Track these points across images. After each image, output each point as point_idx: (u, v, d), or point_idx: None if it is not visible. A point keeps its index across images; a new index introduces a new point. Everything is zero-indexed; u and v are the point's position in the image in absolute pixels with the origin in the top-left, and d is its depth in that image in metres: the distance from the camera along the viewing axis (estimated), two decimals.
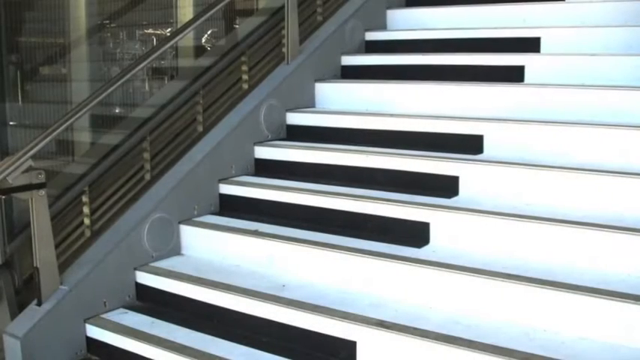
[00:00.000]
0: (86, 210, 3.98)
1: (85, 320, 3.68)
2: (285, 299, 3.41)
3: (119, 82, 3.96)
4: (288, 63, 4.96)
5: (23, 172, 3.38)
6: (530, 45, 4.72)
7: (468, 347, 2.83)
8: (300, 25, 5.05)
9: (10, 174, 3.33)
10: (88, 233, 3.96)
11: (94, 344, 3.66)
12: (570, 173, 3.55)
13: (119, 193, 4.12)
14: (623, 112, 3.89)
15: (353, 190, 4.04)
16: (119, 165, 4.19)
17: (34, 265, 3.51)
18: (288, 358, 3.22)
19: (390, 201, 3.78)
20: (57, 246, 3.65)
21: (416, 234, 3.64)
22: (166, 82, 5.25)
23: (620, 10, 4.68)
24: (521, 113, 4.16)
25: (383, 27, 5.66)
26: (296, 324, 3.30)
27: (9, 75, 4.55)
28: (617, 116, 3.89)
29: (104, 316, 3.73)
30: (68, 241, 3.93)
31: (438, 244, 3.58)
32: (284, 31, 4.97)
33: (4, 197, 3.50)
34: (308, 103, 5.04)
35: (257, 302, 3.43)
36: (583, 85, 4.15)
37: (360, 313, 3.19)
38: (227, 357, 3.24)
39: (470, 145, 4.08)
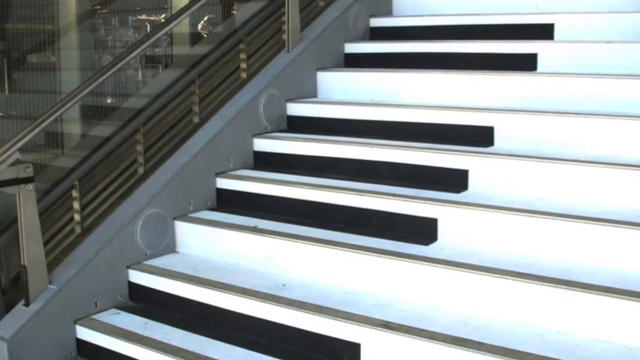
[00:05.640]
0: (76, 205, 3.98)
1: (76, 321, 3.67)
2: (285, 299, 3.41)
3: (111, 71, 3.95)
4: (288, 51, 4.95)
5: (10, 165, 3.38)
6: (544, 32, 4.71)
7: (478, 349, 2.83)
8: (301, 11, 5.05)
9: None
10: (78, 230, 3.96)
11: (84, 346, 3.66)
12: (585, 167, 3.54)
13: (111, 188, 4.12)
14: None
15: (357, 184, 4.03)
16: (111, 158, 4.18)
17: (22, 263, 3.51)
18: None
19: (396, 196, 3.78)
20: (46, 243, 3.64)
21: (423, 230, 3.64)
22: (160, 70, 5.25)
23: None
24: (533, 103, 4.15)
25: (388, 13, 5.65)
26: (297, 325, 3.29)
27: None
28: (634, 106, 3.88)
29: (95, 316, 3.73)
30: (57, 238, 3.93)
31: (447, 241, 3.57)
32: (284, 18, 4.97)
33: None
34: (310, 93, 5.03)
35: (256, 302, 3.43)
36: (598, 74, 4.13)
37: (364, 314, 3.19)
38: None
39: (480, 137, 4.08)
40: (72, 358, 3.66)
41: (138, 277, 3.90)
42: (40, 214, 3.57)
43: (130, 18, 5.47)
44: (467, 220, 3.54)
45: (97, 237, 3.86)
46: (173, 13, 4.63)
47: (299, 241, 3.72)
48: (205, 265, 3.91)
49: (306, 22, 5.18)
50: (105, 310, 3.79)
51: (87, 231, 3.93)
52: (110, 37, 5.43)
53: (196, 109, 4.54)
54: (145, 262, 3.98)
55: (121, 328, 3.60)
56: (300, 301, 3.36)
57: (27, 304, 3.53)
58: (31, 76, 5.15)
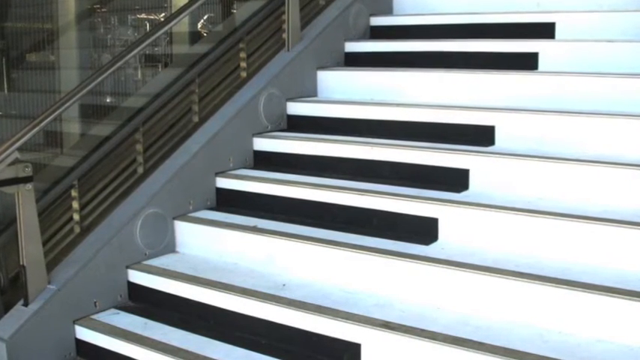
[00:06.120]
0: (75, 205, 3.98)
1: (75, 321, 3.67)
2: (285, 299, 3.41)
3: (110, 70, 3.95)
4: (288, 50, 4.95)
5: (9, 164, 3.38)
6: (545, 30, 4.71)
7: (478, 349, 2.83)
8: (301, 9, 5.04)
9: None
10: (77, 229, 3.96)
11: (83, 346, 3.66)
12: (586, 166, 3.54)
13: (110, 187, 4.12)
14: None
15: (357, 184, 4.03)
16: (110, 157, 4.18)
17: (21, 263, 3.51)
18: None
19: (397, 195, 3.78)
20: (45, 243, 3.64)
21: (424, 230, 3.64)
22: (160, 69, 5.25)
23: None
24: (534, 103, 4.15)
25: (389, 11, 5.65)
26: (297, 325, 3.29)
27: None
28: (635, 106, 3.87)
29: (94, 316, 3.73)
30: (56, 238, 3.93)
31: (447, 241, 3.57)
32: (284, 16, 4.96)
33: None
34: (310, 92, 5.03)
35: (256, 302, 3.43)
36: (600, 73, 4.13)
37: (365, 314, 3.19)
38: None
39: (481, 137, 4.08)
40: (71, 359, 3.66)
41: (137, 277, 3.90)
42: (39, 214, 3.58)
43: (129, 17, 5.47)
44: (468, 219, 3.54)
45: (97, 237, 3.86)
46: (173, 11, 4.63)
47: (299, 240, 3.72)
48: (205, 265, 3.91)
49: (306, 21, 5.18)
50: (104, 310, 3.79)
51: (86, 231, 3.93)
52: (109, 36, 5.44)
53: (196, 108, 4.54)
54: (145, 262, 3.98)
55: (120, 328, 3.60)
56: (300, 301, 3.37)
57: (26, 304, 3.53)
58: (30, 75, 5.16)
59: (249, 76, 4.82)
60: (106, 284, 3.81)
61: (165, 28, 4.38)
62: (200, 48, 4.97)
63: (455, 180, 3.87)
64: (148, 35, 4.19)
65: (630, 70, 4.10)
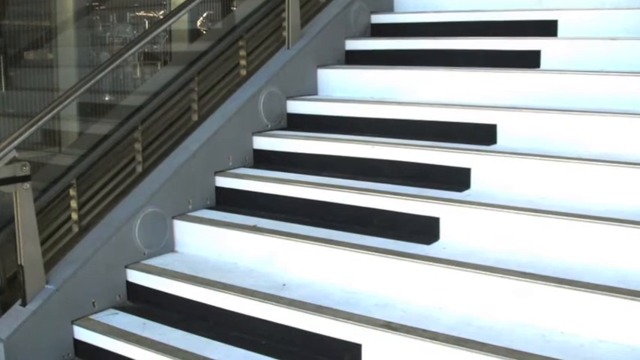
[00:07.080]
0: (74, 204, 3.97)
1: (73, 321, 3.67)
2: (285, 299, 3.40)
3: (109, 68, 3.95)
4: (288, 48, 4.94)
5: (7, 163, 3.38)
6: (547, 28, 4.70)
7: (480, 350, 2.83)
8: (301, 7, 5.04)
9: None
10: (75, 229, 3.95)
11: (82, 347, 3.66)
12: (589, 165, 3.54)
13: (109, 187, 4.12)
14: None
15: (358, 183, 4.03)
16: (109, 156, 4.18)
17: (19, 262, 3.50)
18: None
19: (398, 195, 3.77)
20: (43, 242, 3.64)
21: (425, 230, 3.63)
22: (159, 67, 5.25)
23: None
24: (536, 101, 4.15)
25: (390, 9, 5.65)
26: (297, 325, 3.29)
27: None
28: (638, 104, 3.87)
29: (93, 317, 3.73)
30: (55, 238, 3.92)
31: (449, 241, 3.57)
32: (284, 14, 4.96)
33: None
34: (310, 91, 5.03)
35: (256, 302, 3.43)
36: (602, 71, 4.13)
37: (366, 314, 3.19)
38: None
39: (482, 135, 4.07)
40: (69, 359, 3.66)
41: (136, 276, 3.90)
42: (37, 213, 3.57)
43: (128, 14, 5.47)
44: (469, 219, 3.53)
45: (95, 236, 3.86)
46: (172, 9, 4.63)
47: (299, 240, 3.71)
48: (204, 265, 3.91)
49: (306, 19, 5.17)
50: (103, 310, 3.78)
51: (84, 230, 3.92)
52: (108, 34, 5.44)
53: (195, 106, 4.54)
54: (144, 262, 3.97)
55: (119, 329, 3.60)
56: (300, 301, 3.36)
57: (24, 304, 3.53)
58: (28, 73, 5.16)
59: (249, 74, 4.81)
60: (104, 284, 3.81)
61: (164, 25, 4.38)
62: (199, 46, 4.97)
63: (456, 179, 3.86)
64: (146, 33, 4.19)
65: (633, 68, 4.10)
